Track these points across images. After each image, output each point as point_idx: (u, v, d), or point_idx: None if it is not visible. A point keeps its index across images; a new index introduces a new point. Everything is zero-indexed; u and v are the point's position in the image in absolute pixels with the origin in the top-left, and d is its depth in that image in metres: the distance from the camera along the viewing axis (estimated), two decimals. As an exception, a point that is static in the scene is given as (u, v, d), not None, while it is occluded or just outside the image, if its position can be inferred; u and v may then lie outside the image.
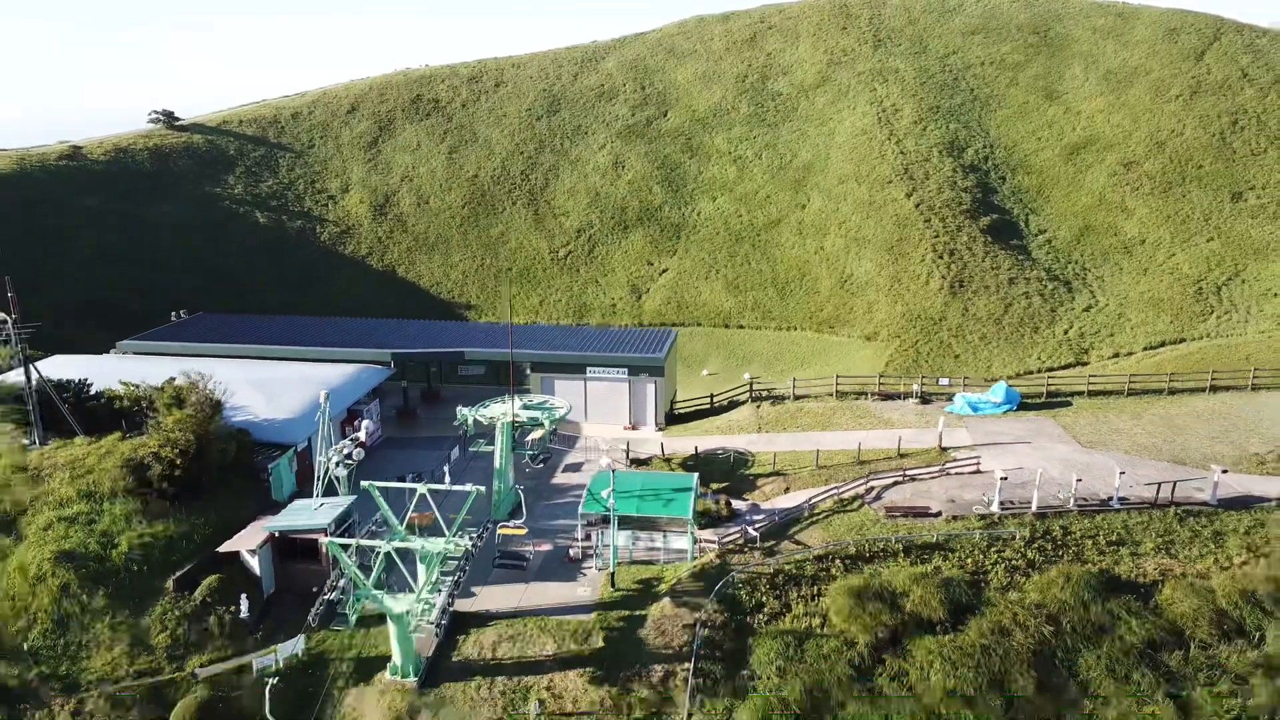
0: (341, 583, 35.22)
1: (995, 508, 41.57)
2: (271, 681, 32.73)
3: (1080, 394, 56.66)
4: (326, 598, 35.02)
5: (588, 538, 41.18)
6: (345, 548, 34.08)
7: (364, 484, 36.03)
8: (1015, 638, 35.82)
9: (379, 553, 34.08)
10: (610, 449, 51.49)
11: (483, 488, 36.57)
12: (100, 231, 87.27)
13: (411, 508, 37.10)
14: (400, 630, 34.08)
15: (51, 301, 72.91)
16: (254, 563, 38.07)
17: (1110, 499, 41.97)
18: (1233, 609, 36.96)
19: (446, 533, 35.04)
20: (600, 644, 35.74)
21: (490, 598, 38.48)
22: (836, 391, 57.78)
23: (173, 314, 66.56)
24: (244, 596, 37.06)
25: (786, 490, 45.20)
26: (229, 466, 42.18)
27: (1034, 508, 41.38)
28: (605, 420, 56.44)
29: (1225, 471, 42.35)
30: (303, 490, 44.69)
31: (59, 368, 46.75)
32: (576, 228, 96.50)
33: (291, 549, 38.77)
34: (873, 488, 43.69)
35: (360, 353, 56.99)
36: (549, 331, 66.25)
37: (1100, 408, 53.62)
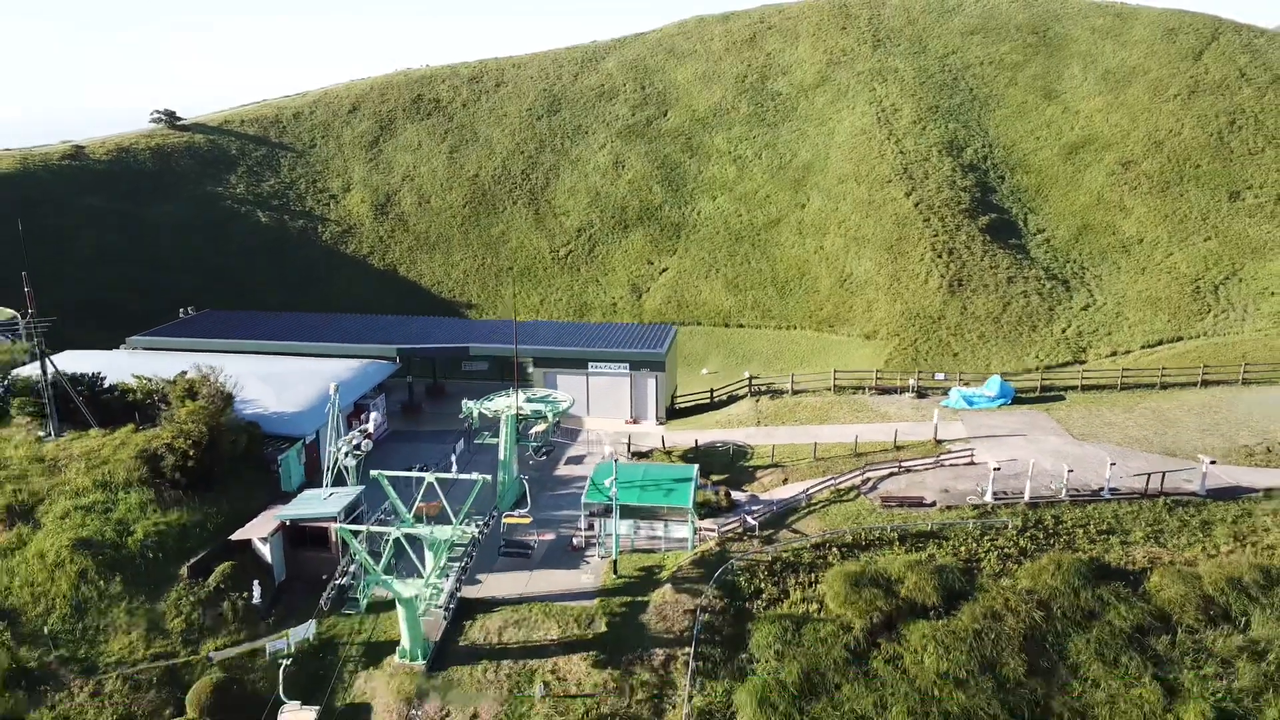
0: (352, 568, 36.69)
1: (989, 498, 43.09)
2: (285, 663, 34.18)
3: (1073, 388, 58.26)
4: (337, 582, 36.51)
5: (591, 527, 42.69)
6: (356, 534, 35.59)
7: (373, 473, 37.51)
8: (1007, 622, 37.34)
9: (388, 539, 35.56)
10: (612, 442, 53.03)
11: (489, 476, 38.07)
12: (100, 231, 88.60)
13: (419, 497, 38.59)
14: (409, 614, 35.53)
15: (52, 301, 73.76)
16: (265, 550, 39.55)
17: (1101, 489, 43.51)
18: (1219, 595, 38.50)
19: (454, 521, 36.53)
20: (603, 629, 37.19)
21: (496, 585, 39.96)
22: (834, 386, 59.42)
23: (181, 310, 68.13)
24: (256, 583, 38.55)
25: (785, 481, 46.75)
26: (240, 458, 43.72)
27: (1026, 498, 42.91)
28: (607, 414, 58.05)
29: (1214, 463, 43.88)
30: (311, 481, 46.20)
31: (71, 362, 48.18)
32: (577, 227, 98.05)
33: (302, 537, 40.29)
34: (869, 479, 45.27)
35: (366, 348, 58.64)
36: (551, 327, 67.94)
37: (1093, 402, 55.23)
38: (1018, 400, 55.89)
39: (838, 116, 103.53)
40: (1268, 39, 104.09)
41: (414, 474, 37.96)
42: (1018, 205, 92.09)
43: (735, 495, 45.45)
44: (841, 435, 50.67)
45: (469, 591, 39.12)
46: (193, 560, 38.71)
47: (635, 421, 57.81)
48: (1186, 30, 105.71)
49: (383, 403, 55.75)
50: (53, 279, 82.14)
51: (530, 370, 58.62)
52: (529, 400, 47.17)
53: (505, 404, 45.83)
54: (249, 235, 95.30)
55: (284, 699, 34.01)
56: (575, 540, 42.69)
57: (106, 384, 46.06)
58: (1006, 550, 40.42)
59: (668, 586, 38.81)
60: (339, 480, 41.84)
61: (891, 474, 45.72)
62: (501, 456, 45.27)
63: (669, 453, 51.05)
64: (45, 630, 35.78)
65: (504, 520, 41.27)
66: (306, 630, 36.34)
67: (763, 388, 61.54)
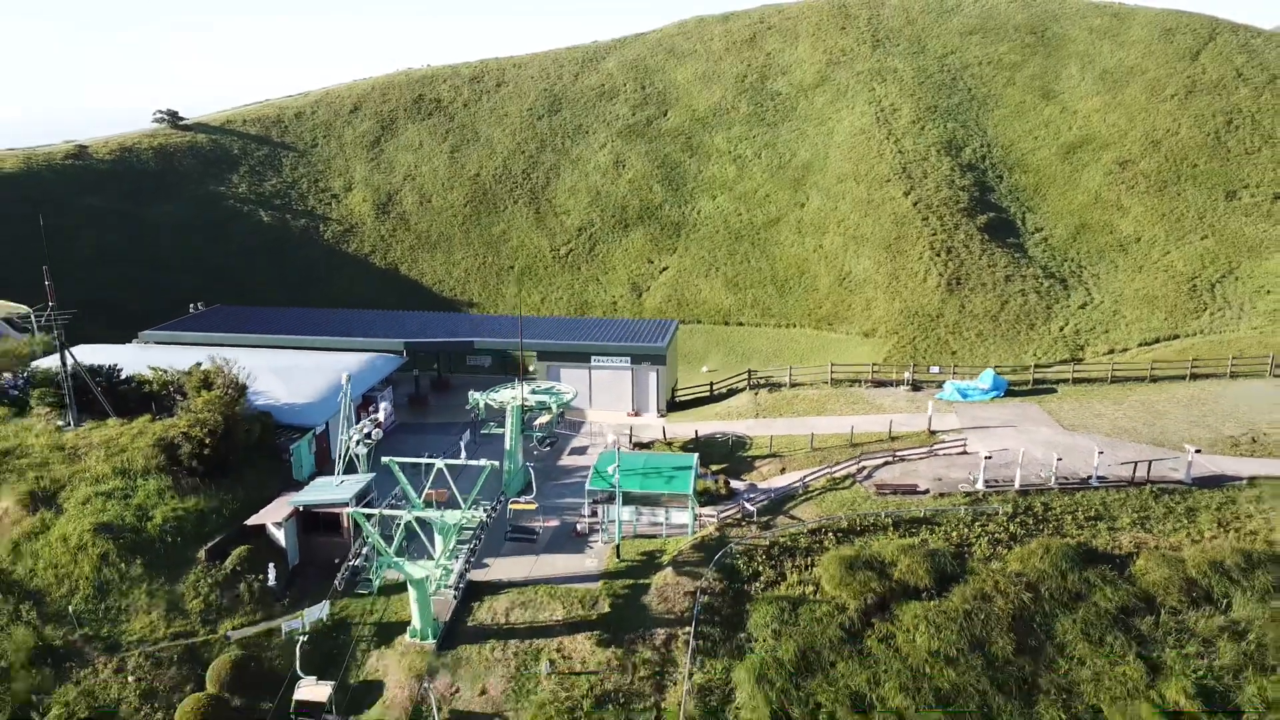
0: (365, 551, 38.73)
1: (980, 485, 45.13)
2: (302, 639, 36.20)
3: (1065, 381, 60.41)
4: (351, 564, 38.54)
5: (594, 513, 44.72)
6: (369, 517, 37.62)
7: (385, 459, 39.53)
8: (996, 603, 39.29)
9: (400, 523, 37.59)
10: (615, 433, 55.08)
11: (496, 463, 40.12)
12: (101, 231, 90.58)
13: (429, 484, 40.63)
14: (420, 594, 37.51)
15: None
16: (280, 535, 41.58)
17: (1090, 477, 45.55)
18: (1201, 578, 40.45)
19: (462, 506, 38.56)
20: (606, 609, 39.16)
21: (502, 569, 41.96)
22: (831, 379, 61.63)
23: (190, 306, 70.27)
24: (271, 566, 40.57)
25: (782, 471, 48.81)
26: (253, 447, 45.79)
27: (1017, 485, 44.95)
28: (609, 407, 60.20)
29: (1199, 451, 45.92)
30: (321, 470, 48.27)
31: (86, 356, 50.19)
32: (578, 226, 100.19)
33: (315, 523, 42.33)
34: (864, 467, 47.37)
35: (373, 342, 60.85)
36: (554, 323, 70.16)
37: (1084, 395, 57.40)
38: (1010, 393, 58.06)
39: (837, 116, 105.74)
40: (1265, 39, 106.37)
41: (424, 460, 39.97)
42: (1016, 204, 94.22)
43: (734, 484, 47.49)
44: (838, 426, 52.76)
45: (477, 575, 41.11)
46: (210, 544, 40.75)
47: (637, 414, 59.95)
48: (1184, 30, 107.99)
49: (390, 395, 57.87)
50: (55, 278, 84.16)
51: (533, 367, 60.79)
52: (534, 392, 49.22)
53: (511, 395, 47.86)
54: (249, 235, 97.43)
55: (300, 674, 36.04)
56: (579, 526, 44.72)
57: (123, 375, 48.14)
58: (997, 535, 42.40)
59: (669, 569, 40.78)
60: (350, 468, 43.88)
61: (886, 463, 47.84)
62: (507, 446, 47.31)
63: (670, 444, 53.12)
64: (70, 610, 37.76)
65: (510, 506, 43.29)
66: (321, 611, 38.32)
67: (761, 381, 63.77)
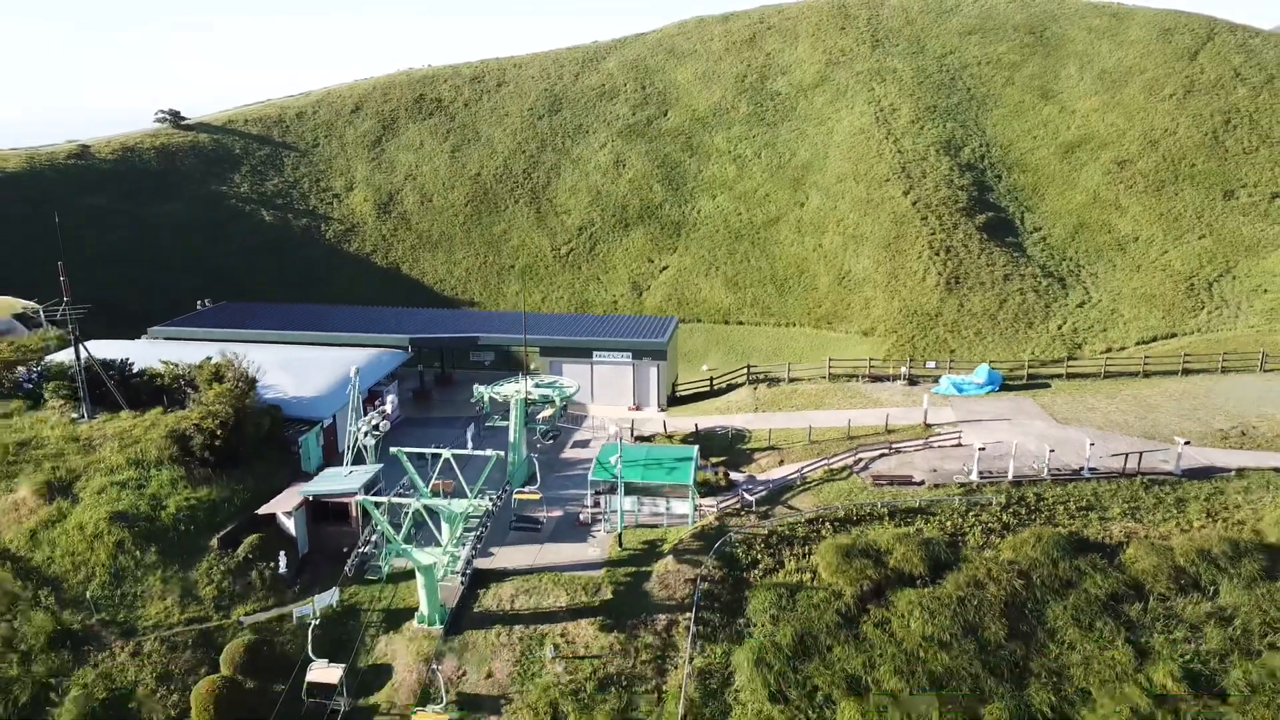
0: (374, 538, 40.33)
1: (974, 476, 46.74)
2: (315, 622, 37.77)
3: (1059, 376, 62.12)
4: (360, 551, 40.14)
5: (596, 504, 46.32)
6: (378, 505, 39.18)
7: (393, 450, 41.14)
8: (989, 590, 40.82)
9: (408, 511, 39.17)
10: (616, 425, 56.77)
11: (501, 453, 41.73)
12: (103, 230, 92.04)
13: (435, 474, 42.21)
14: (428, 581, 39.05)
15: (56, 299, 77.94)
16: (290, 524, 43.16)
17: (1081, 469, 47.17)
18: (1189, 566, 41.97)
19: (469, 495, 40.15)
20: (609, 596, 40.71)
21: (507, 557, 43.53)
22: (829, 374, 63.33)
23: (198, 302, 71.98)
24: (282, 554, 42.15)
25: (781, 463, 50.44)
26: (263, 439, 47.40)
27: (1010, 476, 46.56)
28: (611, 402, 61.89)
29: (1187, 443, 47.55)
30: (329, 462, 49.87)
31: (97, 350, 51.61)
32: (578, 225, 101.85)
33: (324, 512, 43.90)
34: (861, 459, 49.00)
35: (378, 338, 62.61)
36: (557, 319, 71.99)
37: (1077, 389, 59.12)
38: (1005, 387, 59.76)
39: (836, 116, 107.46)
40: (1263, 39, 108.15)
41: (431, 451, 41.56)
42: (1014, 204, 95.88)
43: (733, 476, 49.10)
44: (835, 420, 54.43)
45: (482, 563, 42.67)
46: (222, 533, 42.32)
47: (638, 408, 61.64)
48: (1182, 30, 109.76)
49: (395, 390, 59.53)
50: (55, 279, 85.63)
51: (534, 364, 62.46)
52: (537, 386, 50.84)
53: (515, 389, 49.48)
54: (251, 234, 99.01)
55: (312, 657, 37.62)
56: (582, 516, 46.30)
57: (135, 369, 49.78)
58: (990, 525, 43.96)
59: (670, 557, 42.35)
60: (358, 459, 45.48)
61: (882, 455, 49.45)
62: (512, 438, 48.93)
63: (670, 437, 54.76)
64: (87, 596, 39.31)
65: (515, 496, 44.88)
66: (331, 597, 39.89)
67: (760, 376, 65.51)
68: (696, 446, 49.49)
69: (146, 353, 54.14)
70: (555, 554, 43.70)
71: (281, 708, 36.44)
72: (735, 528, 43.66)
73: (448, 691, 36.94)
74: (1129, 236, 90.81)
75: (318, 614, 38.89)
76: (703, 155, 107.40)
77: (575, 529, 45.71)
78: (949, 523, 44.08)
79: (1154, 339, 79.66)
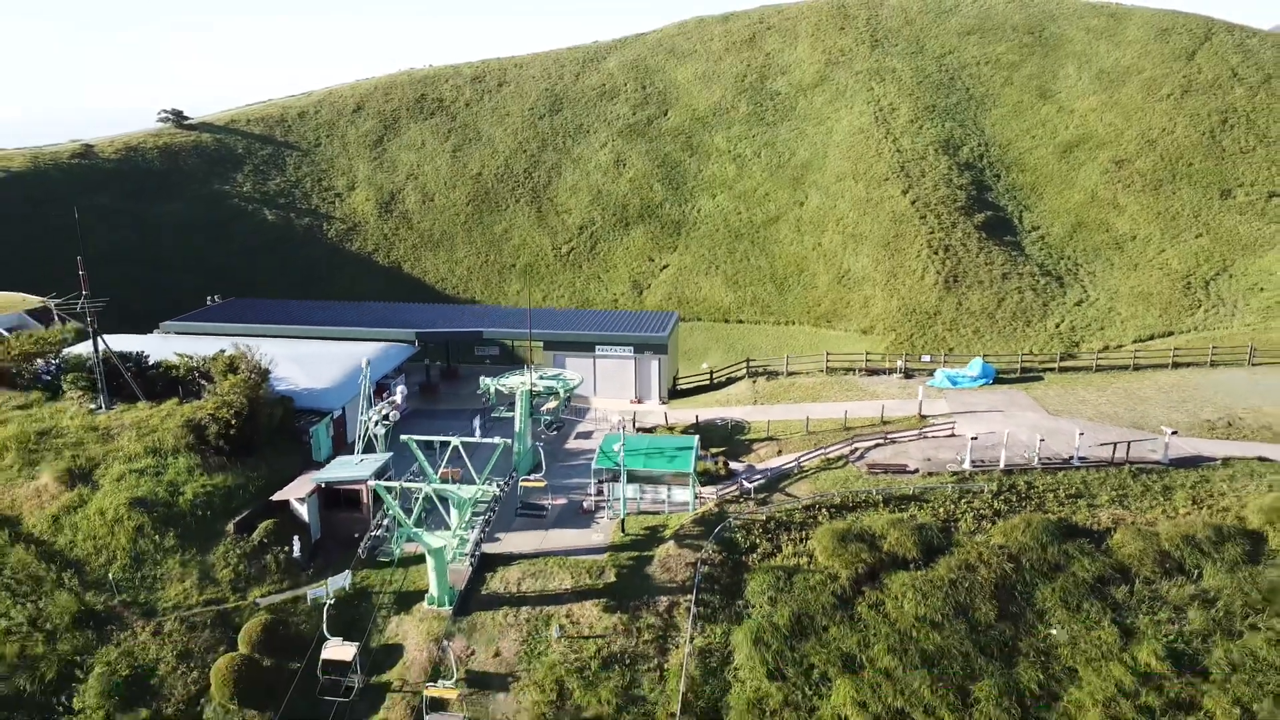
0: (385, 522, 42.46)
1: (967, 465, 48.86)
2: (329, 602, 39.87)
3: (1052, 370, 64.40)
4: (372, 534, 42.28)
5: (600, 491, 48.46)
6: (389, 490, 41.32)
7: (403, 437, 43.27)
8: (980, 573, 42.82)
9: (419, 496, 41.30)
10: (620, 416, 59.02)
11: (508, 440, 43.89)
12: (105, 230, 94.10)
13: (443, 463, 44.33)
14: (438, 564, 41.15)
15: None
16: (303, 510, 45.27)
17: (1071, 458, 49.29)
18: (1174, 550, 43.91)
19: (477, 481, 42.30)
20: (612, 579, 42.76)
21: (513, 542, 45.61)
22: (826, 368, 65.64)
23: (208, 298, 74.30)
24: (296, 539, 44.26)
25: (779, 453, 52.60)
26: (275, 429, 49.58)
27: (1002, 465, 48.67)
28: (613, 395, 64.17)
29: (1174, 433, 49.67)
30: (338, 452, 52.01)
31: (112, 344, 53.76)
32: (579, 225, 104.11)
33: (335, 499, 46.03)
34: (857, 448, 51.20)
35: (386, 332, 64.98)
36: (560, 314, 74.39)
37: (1070, 382, 61.36)
38: (999, 380, 62.02)
39: (836, 116, 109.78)
40: (1260, 39, 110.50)
41: (440, 439, 43.69)
42: (1013, 203, 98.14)
43: (733, 465, 51.25)
44: (832, 412, 56.67)
45: (489, 548, 44.72)
46: (238, 518, 44.45)
47: (639, 401, 63.88)
48: (1180, 30, 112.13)
49: (403, 383, 61.69)
50: (59, 276, 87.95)
51: (538, 361, 64.55)
52: (541, 378, 53.00)
53: (520, 381, 51.66)
54: (253, 234, 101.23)
55: (327, 635, 39.71)
56: (585, 503, 48.44)
57: (150, 361, 52.00)
58: (982, 511, 46.02)
59: (671, 542, 44.43)
60: (369, 448, 47.61)
61: (878, 444, 51.64)
62: (517, 428, 51.10)
63: (671, 429, 56.90)
64: (109, 578, 41.42)
65: (520, 484, 47.01)
66: (344, 579, 41.90)
67: (759, 370, 67.83)
68: (697, 437, 51.65)
69: (159, 347, 56.31)
70: (560, 539, 45.77)
71: (298, 684, 38.51)
72: (734, 514, 45.75)
73: (458, 668, 38.99)
74: (1127, 235, 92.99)
75: (331, 595, 40.94)
76: (703, 155, 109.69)
77: (579, 516, 47.83)
78: (942, 509, 46.13)
79: (1151, 337, 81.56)
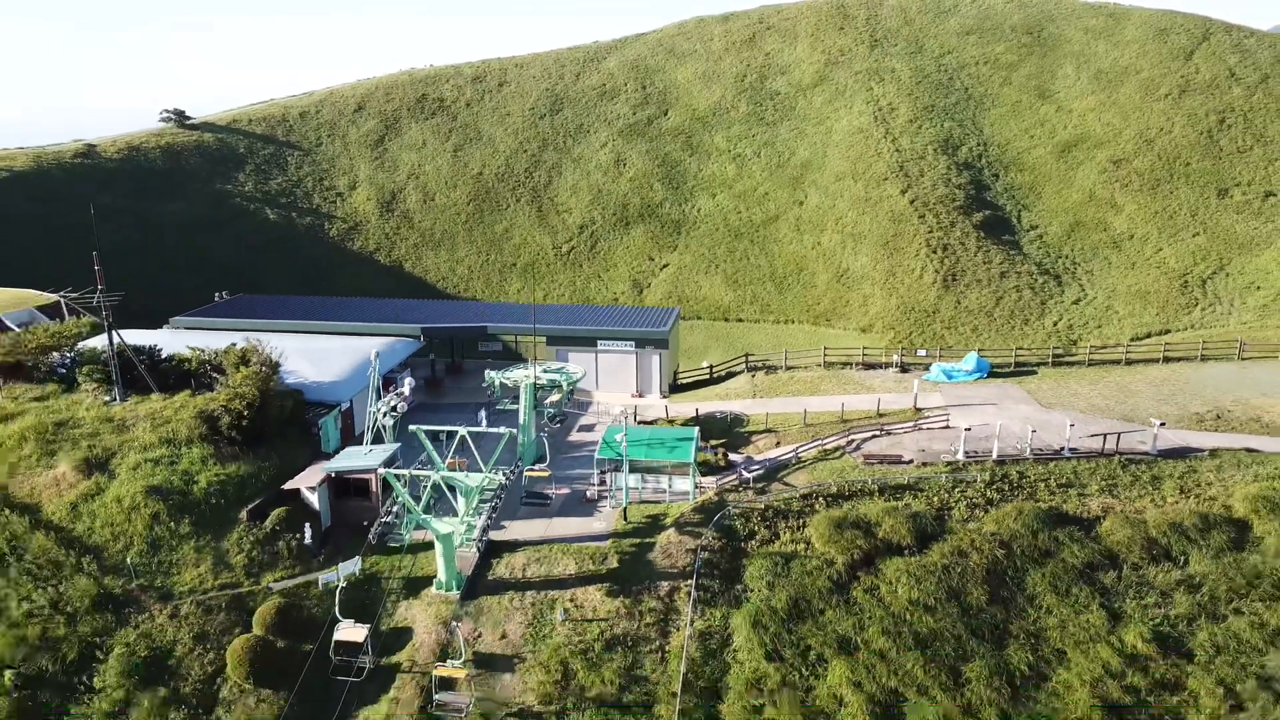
0: (394, 509, 44.41)
1: (960, 456, 50.85)
2: (341, 585, 41.81)
3: (1045, 364, 66.51)
4: (382, 520, 44.25)
5: (603, 481, 50.44)
6: (398, 478, 43.28)
7: (411, 427, 45.23)
8: (972, 559, 44.71)
9: (427, 484, 43.25)
10: (622, 408, 61.05)
11: (514, 430, 45.88)
12: (108, 229, 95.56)
13: (450, 453, 46.28)
14: (446, 549, 43.07)
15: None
16: (314, 499, 47.23)
17: (1062, 449, 51.28)
18: (1162, 537, 45.82)
19: (484, 469, 44.27)
20: (615, 565, 44.69)
21: (519, 530, 47.57)
22: (824, 362, 67.76)
23: (216, 295, 76.43)
24: (307, 526, 46.21)
25: (777, 444, 54.60)
26: (285, 421, 51.55)
27: (994, 456, 50.66)
28: (614, 389, 66.18)
29: (1163, 425, 51.68)
30: (346, 444, 53.97)
31: (125, 338, 55.80)
32: (579, 224, 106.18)
33: (345, 488, 48.00)
34: (853, 440, 53.21)
35: (392, 327, 67.12)
36: (563, 310, 76.61)
37: (1062, 376, 63.45)
38: (993, 374, 64.09)
39: (835, 115, 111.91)
40: (1257, 39, 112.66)
41: (447, 429, 45.66)
42: (1011, 202, 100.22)
43: (732, 456, 53.25)
44: (830, 405, 58.73)
45: (495, 535, 46.67)
46: (250, 506, 46.39)
47: (640, 395, 65.92)
48: (1178, 30, 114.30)
49: (409, 377, 63.67)
50: (63, 274, 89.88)
51: (541, 355, 66.59)
52: (545, 371, 54.97)
53: (524, 374, 53.65)
54: (255, 233, 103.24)
55: (339, 617, 41.66)
56: (588, 493, 50.42)
57: (164, 355, 54.02)
58: (974, 500, 47.96)
59: (672, 529, 46.39)
60: (377, 439, 49.58)
61: (874, 436, 53.67)
62: (522, 420, 53.08)
63: (672, 422, 58.87)
64: (127, 563, 43.36)
65: (525, 473, 48.99)
66: (354, 565, 43.83)
67: (758, 364, 70.00)
68: (697, 429, 53.64)
69: (171, 341, 58.31)
70: (564, 527, 47.71)
71: (311, 664, 40.44)
72: (734, 502, 47.71)
73: (466, 650, 40.91)
74: (1124, 234, 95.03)
75: (342, 580, 42.84)
76: (702, 154, 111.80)
77: (582, 505, 49.79)
78: (936, 498, 48.09)
79: (1148, 335, 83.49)
